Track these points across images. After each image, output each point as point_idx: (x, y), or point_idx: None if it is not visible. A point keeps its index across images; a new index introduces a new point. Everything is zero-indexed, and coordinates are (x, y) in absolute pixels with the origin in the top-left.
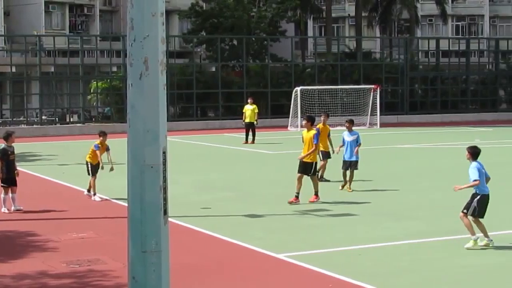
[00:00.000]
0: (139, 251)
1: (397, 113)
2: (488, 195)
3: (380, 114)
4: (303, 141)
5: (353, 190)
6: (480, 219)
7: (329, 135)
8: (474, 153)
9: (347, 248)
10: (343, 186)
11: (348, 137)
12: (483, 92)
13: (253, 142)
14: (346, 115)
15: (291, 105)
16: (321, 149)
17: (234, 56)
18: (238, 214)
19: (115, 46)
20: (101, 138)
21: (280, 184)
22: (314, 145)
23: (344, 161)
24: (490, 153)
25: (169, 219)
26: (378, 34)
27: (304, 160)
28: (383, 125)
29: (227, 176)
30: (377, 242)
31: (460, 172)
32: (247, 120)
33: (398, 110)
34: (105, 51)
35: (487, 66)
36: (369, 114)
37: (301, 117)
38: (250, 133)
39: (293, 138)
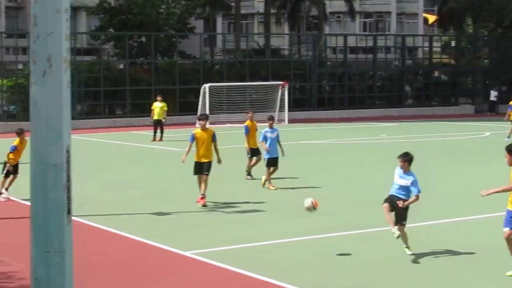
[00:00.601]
0: (42, 252)
1: (305, 109)
2: None
3: (289, 110)
4: (194, 140)
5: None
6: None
7: (256, 130)
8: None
9: (254, 244)
10: (264, 183)
11: (270, 134)
12: (390, 88)
13: (161, 139)
14: (254, 112)
15: (200, 102)
16: (250, 146)
17: (142, 53)
18: (146, 212)
19: (21, 43)
20: (19, 136)
21: (188, 182)
22: (214, 144)
23: (269, 159)
24: (396, 148)
25: (75, 218)
26: (286, 31)
27: (201, 160)
28: (291, 121)
29: (135, 174)
30: (284, 237)
31: (367, 166)
32: (155, 118)
33: (306, 106)
34: (10, 48)
35: (394, 62)
36: (277, 110)
37: (199, 116)
38: (158, 130)
39: None
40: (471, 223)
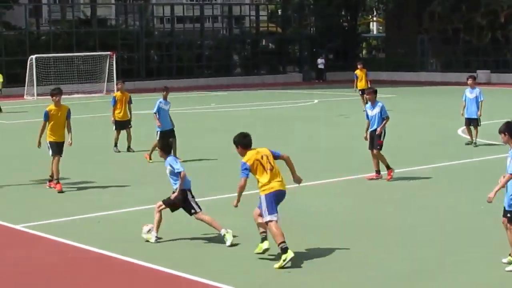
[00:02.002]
0: None
1: (134, 79)
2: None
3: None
4: (48, 119)
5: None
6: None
7: (130, 102)
8: None
9: (87, 216)
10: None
11: (164, 106)
12: (218, 57)
13: None
14: (82, 83)
15: (27, 74)
16: (117, 118)
17: None
18: None
19: None
20: None
21: (17, 155)
22: (68, 122)
23: (162, 132)
24: (224, 116)
25: None
26: (113, 1)
27: (59, 140)
28: None
29: None
30: (120, 208)
31: (198, 135)
32: None
33: (134, 76)
34: None
35: (221, 31)
36: (105, 81)
37: (51, 91)
38: None
39: (30, 107)
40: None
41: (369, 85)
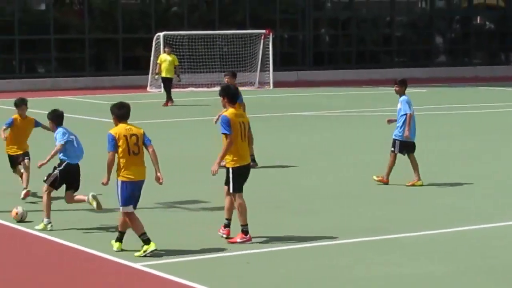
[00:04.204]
0: None
1: (297, 68)
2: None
3: (274, 70)
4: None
5: None
6: None
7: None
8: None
9: (230, 254)
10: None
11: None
12: (414, 39)
13: (168, 103)
14: (227, 71)
15: (152, 57)
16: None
17: None
18: (80, 209)
19: None
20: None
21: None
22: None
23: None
24: (423, 121)
25: None
26: None
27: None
28: (278, 84)
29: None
30: (275, 245)
31: (377, 146)
32: (163, 75)
33: (298, 64)
34: None
35: (419, 3)
36: (258, 69)
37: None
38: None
39: (156, 103)
40: None
41: None
